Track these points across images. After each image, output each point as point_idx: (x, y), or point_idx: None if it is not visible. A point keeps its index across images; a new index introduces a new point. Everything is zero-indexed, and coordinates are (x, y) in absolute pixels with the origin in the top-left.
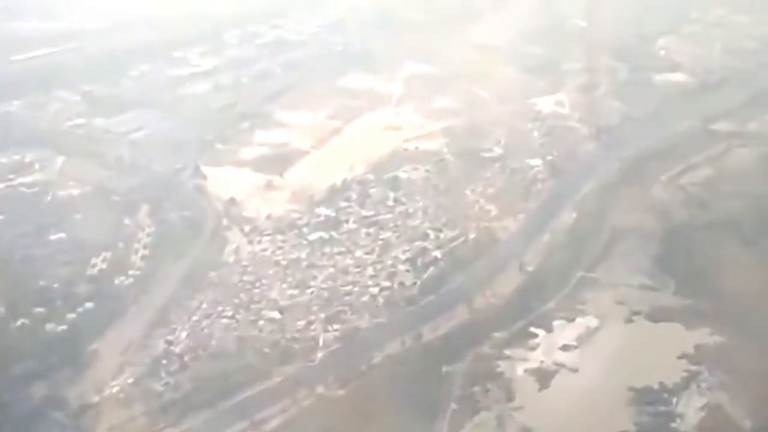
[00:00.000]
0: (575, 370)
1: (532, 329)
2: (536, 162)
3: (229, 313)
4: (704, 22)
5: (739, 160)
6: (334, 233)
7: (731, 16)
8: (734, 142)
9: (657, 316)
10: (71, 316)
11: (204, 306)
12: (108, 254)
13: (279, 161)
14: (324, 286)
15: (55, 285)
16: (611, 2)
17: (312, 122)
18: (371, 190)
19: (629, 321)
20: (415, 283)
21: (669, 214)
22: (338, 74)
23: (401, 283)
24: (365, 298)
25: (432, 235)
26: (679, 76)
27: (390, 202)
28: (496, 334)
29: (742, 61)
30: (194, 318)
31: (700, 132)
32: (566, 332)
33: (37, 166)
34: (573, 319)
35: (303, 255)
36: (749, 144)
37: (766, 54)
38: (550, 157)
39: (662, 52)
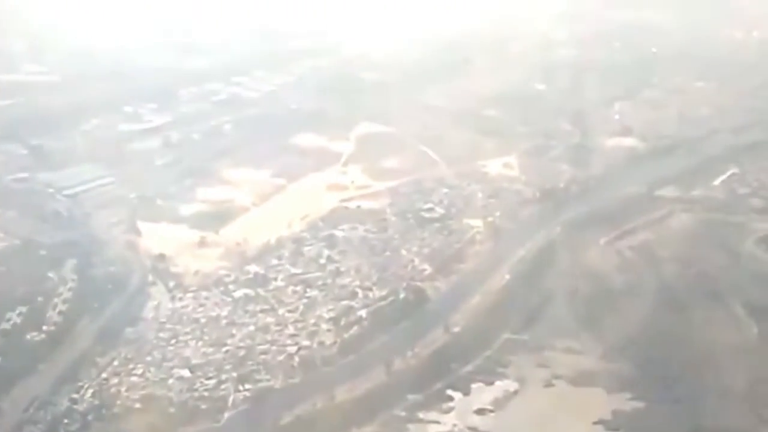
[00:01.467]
0: None
1: (449, 392)
2: (477, 223)
3: (140, 371)
4: (663, 88)
5: (680, 225)
6: (260, 290)
7: (691, 82)
8: (677, 207)
9: (579, 380)
10: None
11: (115, 363)
12: (24, 308)
13: (218, 218)
14: (241, 344)
15: None
16: (572, 67)
17: (256, 180)
18: (305, 248)
19: (549, 385)
20: (335, 343)
21: (603, 278)
22: (290, 133)
23: (321, 343)
24: (281, 358)
25: (360, 294)
26: (630, 141)
27: (322, 260)
28: (411, 397)
29: (695, 128)
30: (103, 375)
31: (645, 197)
32: (483, 396)
33: None
34: (492, 383)
35: (224, 312)
36: (692, 210)
37: (719, 121)
38: (491, 219)
39: (617, 117)
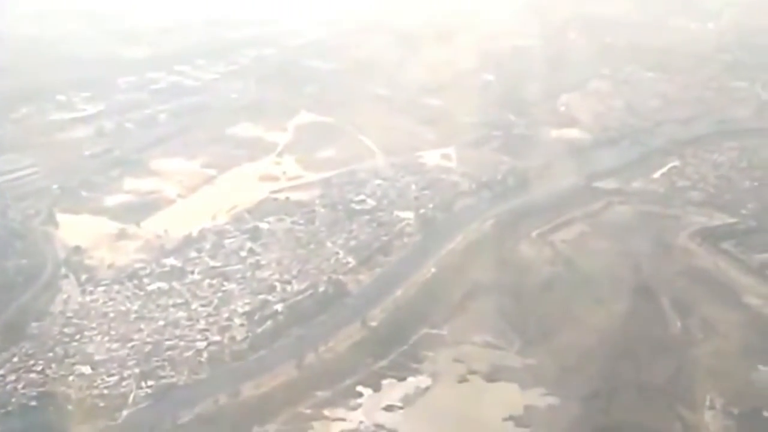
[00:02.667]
0: None
1: (359, 388)
2: (408, 215)
3: (39, 368)
4: (613, 79)
5: (616, 217)
6: (175, 284)
7: (641, 72)
8: (614, 199)
9: (494, 375)
10: None
11: (15, 359)
12: None
13: (141, 210)
14: (148, 339)
15: None
16: (524, 57)
17: (186, 171)
18: (227, 241)
19: (463, 381)
20: (246, 338)
21: (531, 271)
22: (227, 123)
23: (232, 338)
24: (189, 353)
25: (279, 287)
26: (574, 133)
27: (244, 253)
28: (319, 393)
29: (642, 120)
30: (1, 372)
31: (583, 189)
32: (394, 392)
33: None
34: (404, 378)
35: (135, 306)
36: (629, 202)
37: (666, 113)
38: (423, 211)
39: (563, 108)
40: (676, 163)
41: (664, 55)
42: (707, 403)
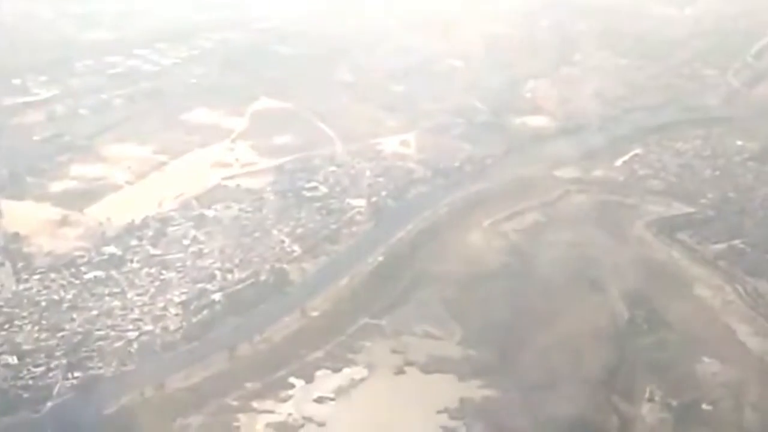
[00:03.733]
0: (322, 425)
1: (291, 379)
2: (360, 203)
3: None
4: (583, 65)
5: (572, 207)
6: (113, 272)
7: (613, 59)
8: (573, 188)
9: (431, 367)
10: None
11: None
12: None
13: (86, 196)
14: (79, 329)
15: None
16: (494, 43)
17: (136, 157)
18: (171, 229)
19: (400, 372)
20: (180, 328)
21: (480, 261)
22: (183, 108)
23: (165, 328)
24: (119, 344)
25: (219, 276)
26: (539, 120)
27: (186, 241)
28: (249, 385)
29: (608, 107)
30: None
31: (542, 177)
32: (327, 383)
33: None
34: (339, 369)
35: (69, 295)
36: (588, 191)
37: (634, 100)
38: (375, 199)
39: (528, 95)
40: (639, 151)
41: (637, 41)
42: (646, 395)
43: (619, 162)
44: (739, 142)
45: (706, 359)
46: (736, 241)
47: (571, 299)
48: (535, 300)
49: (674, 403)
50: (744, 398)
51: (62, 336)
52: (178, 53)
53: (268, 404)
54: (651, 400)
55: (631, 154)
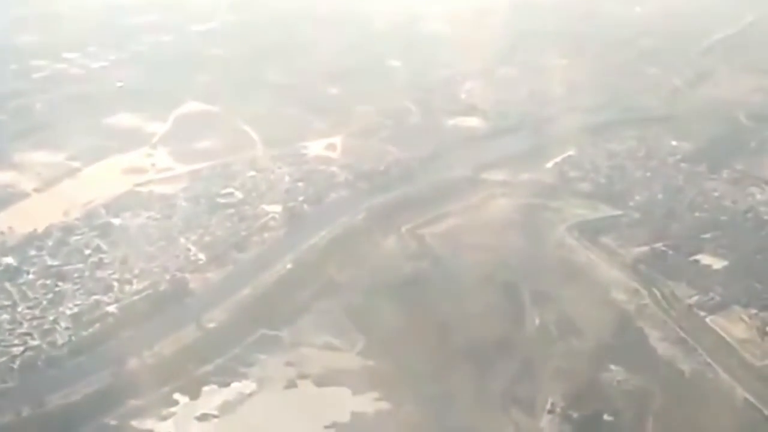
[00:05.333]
0: None
1: (176, 396)
2: (275, 209)
3: None
4: (523, 65)
5: (495, 210)
6: (7, 284)
7: (555, 59)
8: (498, 191)
9: (326, 380)
10: None
11: None
12: None
13: None
14: None
15: None
16: (435, 43)
17: (49, 163)
18: (74, 238)
19: (291, 386)
20: (68, 342)
21: (393, 267)
22: (106, 112)
23: (52, 343)
24: (2, 360)
25: (116, 287)
26: (472, 121)
27: (88, 251)
28: (132, 402)
29: (544, 107)
30: None
31: (468, 180)
32: (213, 399)
33: None
34: (228, 384)
35: None
36: (513, 194)
37: (572, 100)
38: (292, 204)
39: (464, 96)
40: (572, 152)
41: (582, 40)
42: (548, 406)
43: (549, 164)
44: (674, 143)
45: (613, 367)
46: (659, 244)
47: (482, 306)
48: (444, 307)
49: (575, 414)
50: (648, 407)
51: None
52: (108, 56)
53: (148, 423)
54: (552, 411)
55: (564, 155)
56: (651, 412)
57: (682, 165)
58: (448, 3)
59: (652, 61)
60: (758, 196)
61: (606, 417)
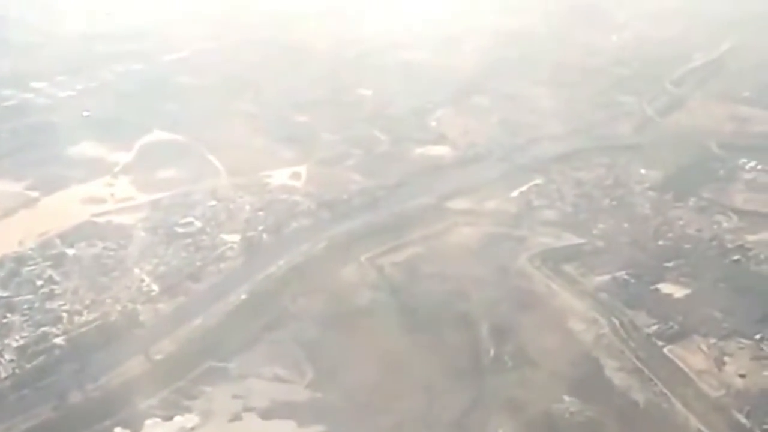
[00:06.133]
0: None
1: (118, 429)
2: (233, 238)
3: None
4: (495, 93)
5: (457, 240)
6: None
7: (528, 88)
8: (461, 220)
9: (272, 412)
10: None
11: None
12: None
13: None
14: None
15: None
16: (408, 71)
17: (7, 193)
18: (26, 269)
19: (236, 419)
20: (10, 376)
21: (349, 297)
22: (69, 142)
23: None
24: None
25: (66, 318)
26: (440, 149)
27: (40, 282)
28: None
29: (515, 136)
30: None
31: (432, 209)
32: None
33: None
34: (171, 418)
35: None
36: (476, 223)
37: (543, 129)
38: (251, 234)
39: (434, 124)
40: (539, 181)
41: (556, 69)
42: None
43: (515, 193)
44: (643, 171)
45: (566, 398)
46: (621, 273)
47: (437, 337)
48: (398, 338)
49: None
50: None
51: None
52: (75, 86)
53: None
54: None
55: (530, 184)
56: None
57: (650, 193)
58: (423, 31)
59: (626, 89)
60: (724, 224)
61: None
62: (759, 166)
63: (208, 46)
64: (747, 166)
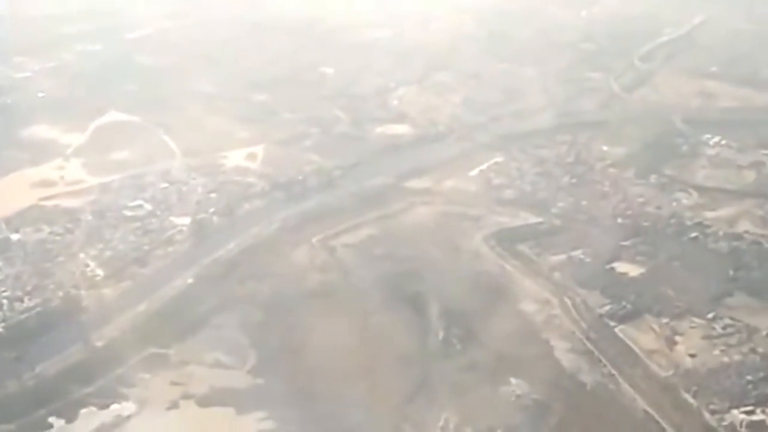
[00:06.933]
0: None
1: (52, 419)
2: (184, 221)
3: None
4: (460, 71)
5: (412, 219)
6: None
7: (494, 64)
8: (417, 200)
9: (211, 399)
10: None
11: None
12: None
13: None
14: None
15: None
16: (374, 49)
17: None
18: None
19: (173, 407)
20: None
21: (298, 280)
22: (22, 124)
23: None
24: None
25: (6, 305)
26: (401, 128)
27: None
28: (4, 426)
29: (477, 114)
30: None
31: (389, 189)
32: (90, 422)
33: None
34: (107, 406)
35: None
36: (433, 202)
37: (506, 106)
38: (201, 216)
39: (395, 103)
40: (500, 159)
41: (524, 45)
42: (441, 422)
43: (475, 171)
44: (606, 148)
45: (513, 380)
46: (577, 252)
47: (385, 320)
48: (344, 321)
49: (468, 430)
50: (544, 422)
51: None
52: (33, 66)
53: None
54: (444, 428)
55: (490, 162)
56: (547, 427)
57: (611, 170)
58: (389, 9)
59: (593, 65)
60: (684, 201)
61: None
62: (723, 142)
63: (170, 25)
64: (711, 142)
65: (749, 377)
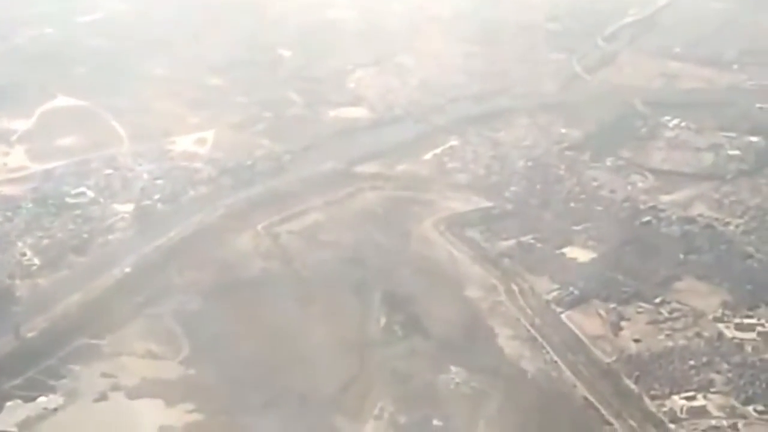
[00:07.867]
0: None
1: None
2: (126, 208)
3: None
4: (420, 53)
5: (360, 205)
6: None
7: (455, 46)
8: (367, 185)
9: (140, 391)
10: None
11: None
12: None
13: None
14: None
15: None
16: (332, 31)
17: None
18: None
19: (101, 399)
20: None
21: (240, 268)
22: None
23: None
24: None
25: None
26: (357, 111)
27: None
28: None
29: (435, 96)
30: None
31: (339, 174)
32: (15, 415)
33: None
34: (34, 399)
35: None
36: (383, 187)
37: (465, 89)
38: (145, 203)
39: (352, 86)
40: (455, 142)
41: (488, 26)
42: (376, 411)
43: (428, 155)
44: (564, 130)
45: (453, 368)
46: (528, 237)
47: (326, 307)
48: (286, 310)
49: (403, 419)
50: (482, 411)
51: None
52: None
53: None
54: (379, 417)
55: (445, 146)
56: (483, 416)
57: (567, 153)
58: None
59: (557, 46)
60: (639, 185)
61: (435, 422)
62: (682, 124)
63: (124, 7)
64: (670, 124)
65: (692, 362)
